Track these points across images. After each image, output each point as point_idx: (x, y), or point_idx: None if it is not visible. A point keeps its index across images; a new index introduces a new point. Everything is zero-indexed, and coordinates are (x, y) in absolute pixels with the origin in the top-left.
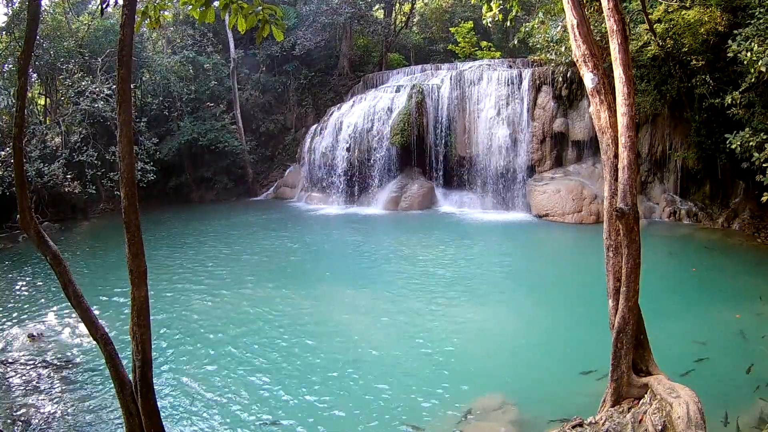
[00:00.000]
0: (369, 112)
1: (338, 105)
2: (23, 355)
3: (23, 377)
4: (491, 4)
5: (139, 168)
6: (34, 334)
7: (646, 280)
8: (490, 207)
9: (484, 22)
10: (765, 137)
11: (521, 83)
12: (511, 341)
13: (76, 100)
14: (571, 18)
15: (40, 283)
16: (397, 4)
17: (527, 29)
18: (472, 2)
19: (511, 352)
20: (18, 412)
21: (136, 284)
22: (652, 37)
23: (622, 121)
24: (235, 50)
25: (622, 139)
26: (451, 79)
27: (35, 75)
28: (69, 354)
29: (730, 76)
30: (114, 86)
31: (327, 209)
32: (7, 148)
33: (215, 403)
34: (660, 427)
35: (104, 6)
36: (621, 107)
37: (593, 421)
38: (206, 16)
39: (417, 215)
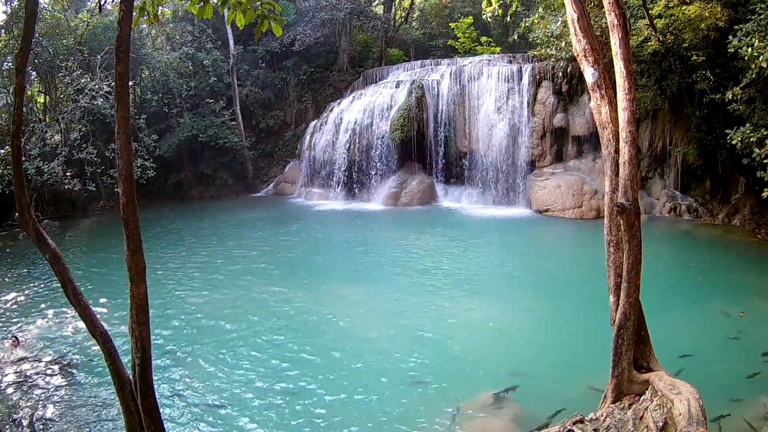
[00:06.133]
0: (369, 107)
1: (338, 101)
2: (21, 355)
3: (22, 376)
4: None
5: (138, 165)
6: (18, 338)
7: (646, 276)
8: (490, 202)
9: (483, 17)
10: (766, 133)
11: (521, 78)
12: (511, 337)
13: (75, 98)
14: (571, 13)
15: (40, 282)
16: (397, 0)
17: (527, 24)
18: None
19: (512, 347)
20: (17, 411)
21: (135, 281)
22: (653, 33)
23: (622, 116)
24: (235, 46)
25: (623, 134)
26: (451, 75)
27: (34, 73)
28: (68, 352)
29: (731, 72)
30: (113, 83)
31: (327, 205)
32: (6, 146)
33: (216, 400)
34: (661, 424)
35: (102, 3)
36: (622, 102)
37: (594, 417)
38: (205, 12)
39: (417, 210)
